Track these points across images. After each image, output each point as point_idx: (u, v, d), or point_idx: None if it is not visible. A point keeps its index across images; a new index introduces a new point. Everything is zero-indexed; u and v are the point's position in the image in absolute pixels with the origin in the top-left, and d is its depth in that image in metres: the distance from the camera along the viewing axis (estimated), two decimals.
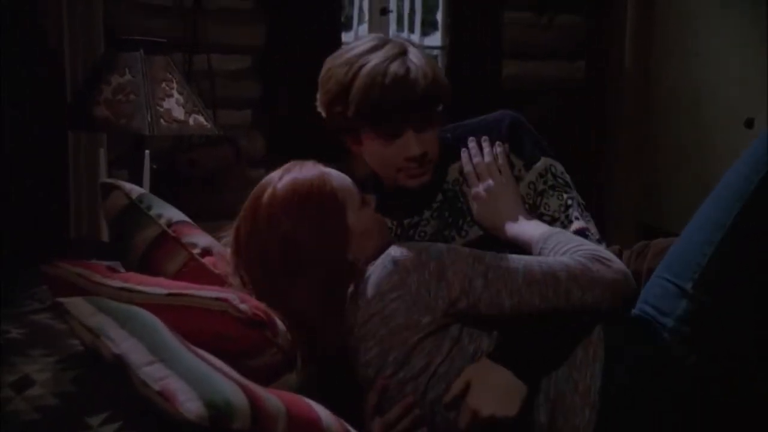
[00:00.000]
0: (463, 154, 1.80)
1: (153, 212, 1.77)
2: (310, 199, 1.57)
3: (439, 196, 1.81)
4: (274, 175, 1.62)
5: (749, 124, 3.87)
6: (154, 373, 1.16)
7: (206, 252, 1.69)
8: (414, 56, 1.70)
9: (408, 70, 1.66)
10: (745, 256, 1.52)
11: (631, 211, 4.47)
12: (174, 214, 1.80)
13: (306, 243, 1.53)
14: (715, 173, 4.10)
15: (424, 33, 4.56)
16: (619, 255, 1.95)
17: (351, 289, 1.56)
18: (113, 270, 1.58)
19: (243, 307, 1.38)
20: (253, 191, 1.62)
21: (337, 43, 3.94)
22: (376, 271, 1.52)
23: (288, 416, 1.18)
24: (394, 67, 1.66)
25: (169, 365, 1.18)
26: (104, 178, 2.83)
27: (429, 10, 4.51)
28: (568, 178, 1.79)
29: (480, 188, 1.77)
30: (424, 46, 4.54)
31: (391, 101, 1.66)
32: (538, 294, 1.48)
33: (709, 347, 1.52)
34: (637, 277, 1.83)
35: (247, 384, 1.21)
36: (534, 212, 1.75)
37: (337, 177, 1.63)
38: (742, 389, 1.52)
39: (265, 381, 1.30)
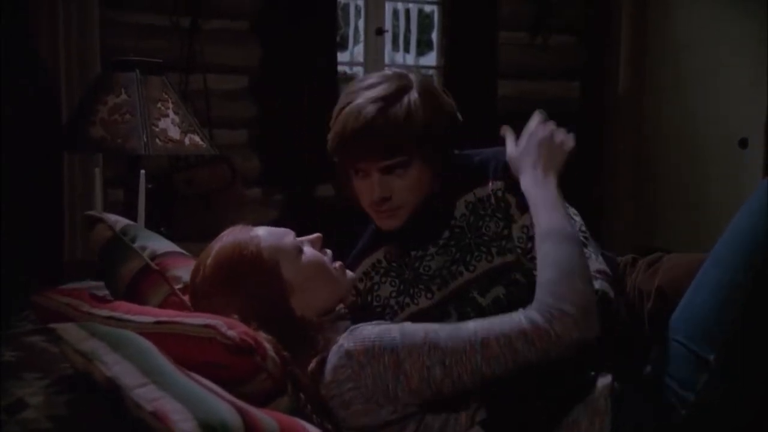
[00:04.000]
0: None
1: (137, 244, 1.77)
2: (235, 268, 1.54)
3: (446, 233, 1.77)
4: (207, 250, 1.59)
5: (743, 144, 3.89)
6: (147, 395, 1.15)
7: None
8: (405, 100, 1.66)
9: (376, 116, 1.63)
10: (766, 322, 1.47)
11: (628, 233, 4.47)
12: (160, 245, 1.79)
13: (245, 311, 1.50)
14: (710, 194, 4.16)
15: (420, 53, 4.58)
16: (633, 264, 1.92)
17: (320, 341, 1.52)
18: (101, 299, 1.58)
19: (231, 333, 1.36)
20: (192, 269, 1.60)
21: (332, 63, 3.96)
22: (332, 357, 1.47)
23: None
24: (368, 110, 1.64)
25: (162, 387, 1.17)
26: (99, 199, 2.83)
27: (424, 30, 4.54)
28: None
29: (541, 128, 1.71)
30: (420, 65, 4.57)
31: (349, 144, 1.66)
32: (498, 367, 1.43)
33: (731, 421, 1.48)
34: (644, 296, 1.80)
35: (241, 404, 1.21)
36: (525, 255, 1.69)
37: (264, 235, 1.58)
38: None
39: (257, 406, 1.29)
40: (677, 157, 4.34)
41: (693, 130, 4.26)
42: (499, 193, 1.75)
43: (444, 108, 1.73)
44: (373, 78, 1.71)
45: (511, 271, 1.73)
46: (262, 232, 1.60)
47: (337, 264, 1.65)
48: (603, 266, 1.64)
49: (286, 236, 1.61)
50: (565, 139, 1.71)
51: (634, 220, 4.51)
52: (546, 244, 1.54)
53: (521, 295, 1.67)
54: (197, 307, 1.57)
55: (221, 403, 1.17)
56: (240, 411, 1.16)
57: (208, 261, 1.56)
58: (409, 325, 1.49)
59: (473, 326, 1.46)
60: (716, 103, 4.12)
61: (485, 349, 1.43)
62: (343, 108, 1.68)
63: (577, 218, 1.69)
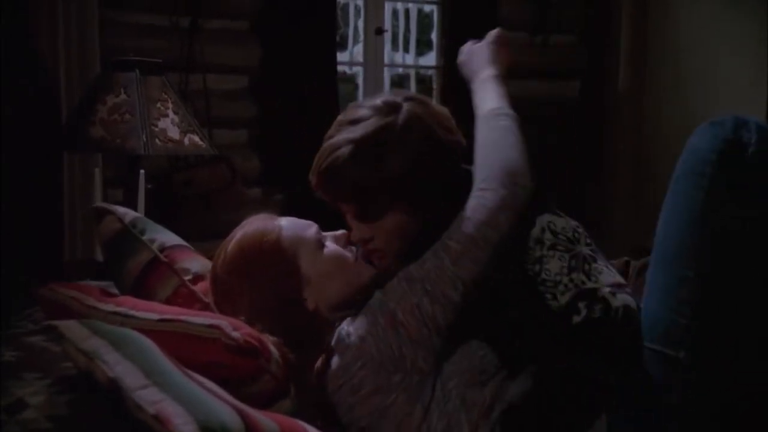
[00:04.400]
0: None
1: (146, 237, 1.77)
2: (253, 255, 1.55)
3: None
4: (230, 236, 1.61)
5: None
6: (148, 397, 1.15)
7: (199, 278, 1.69)
8: (381, 144, 1.58)
9: (344, 162, 1.57)
10: (724, 307, 1.46)
11: (628, 233, 4.47)
12: (168, 238, 1.80)
13: (260, 300, 1.52)
14: None
15: (419, 53, 4.58)
16: (626, 267, 1.90)
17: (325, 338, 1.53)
18: (107, 294, 1.58)
19: (235, 334, 1.37)
20: (215, 254, 1.62)
21: (332, 63, 3.96)
22: (335, 349, 1.49)
23: None
24: (339, 153, 1.58)
25: (163, 388, 1.17)
26: (99, 199, 2.83)
27: (424, 30, 4.54)
28: (569, 233, 1.63)
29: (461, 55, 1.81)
30: (419, 66, 4.57)
31: (318, 184, 1.63)
32: (470, 263, 1.46)
33: (719, 414, 1.46)
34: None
35: (242, 407, 1.20)
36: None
37: (286, 226, 1.60)
38: None
39: (260, 407, 1.29)
40: (677, 157, 4.33)
41: (693, 129, 4.25)
42: None
43: (435, 142, 1.62)
44: (363, 110, 1.63)
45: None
46: (285, 222, 1.62)
47: (359, 256, 1.65)
48: (618, 278, 1.60)
49: (308, 228, 1.62)
50: (476, 43, 1.86)
51: (634, 220, 4.50)
52: (476, 131, 1.61)
53: (523, 318, 1.62)
54: (216, 294, 1.58)
55: (222, 406, 1.17)
56: (240, 413, 1.16)
57: (229, 247, 1.58)
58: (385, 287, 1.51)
59: (432, 248, 1.50)
60: (716, 102, 4.12)
61: (450, 254, 1.46)
62: (327, 140, 1.63)
63: (581, 230, 1.66)
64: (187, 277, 1.68)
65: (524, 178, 1.52)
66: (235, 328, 1.38)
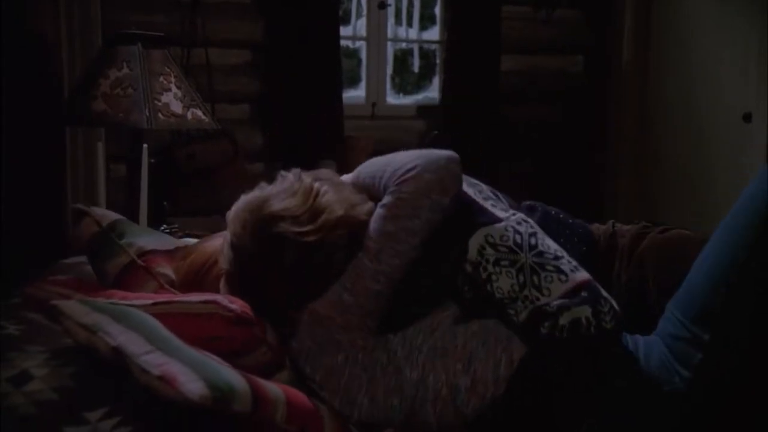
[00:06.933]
0: None
1: (124, 241, 1.78)
2: (200, 278, 1.64)
3: None
4: (191, 247, 1.74)
5: (747, 118, 3.88)
6: (153, 360, 1.16)
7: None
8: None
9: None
10: (760, 298, 1.46)
11: (628, 210, 4.46)
12: (147, 242, 1.81)
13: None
14: (713, 169, 4.14)
15: (423, 27, 4.55)
16: (612, 231, 1.84)
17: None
18: (94, 288, 1.59)
19: (232, 306, 1.39)
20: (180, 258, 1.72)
21: (335, 38, 3.94)
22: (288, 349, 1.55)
23: (287, 403, 1.19)
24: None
25: (167, 353, 1.18)
26: (102, 173, 2.83)
27: (427, 4, 4.51)
28: (510, 240, 1.53)
29: None
30: (422, 40, 4.54)
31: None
32: (389, 257, 1.50)
33: (718, 396, 1.48)
34: (639, 286, 1.71)
35: (246, 373, 1.22)
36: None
37: None
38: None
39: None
40: (681, 132, 4.32)
41: (697, 104, 4.24)
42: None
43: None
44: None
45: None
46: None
47: None
48: (574, 277, 1.51)
49: None
50: None
51: (635, 197, 4.50)
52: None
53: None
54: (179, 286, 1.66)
55: (228, 369, 1.18)
56: (245, 377, 1.17)
57: (185, 265, 1.69)
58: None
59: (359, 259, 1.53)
60: (721, 77, 4.10)
61: (368, 253, 1.50)
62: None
63: (522, 227, 1.58)
64: (164, 281, 1.69)
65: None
66: (230, 301, 1.40)
